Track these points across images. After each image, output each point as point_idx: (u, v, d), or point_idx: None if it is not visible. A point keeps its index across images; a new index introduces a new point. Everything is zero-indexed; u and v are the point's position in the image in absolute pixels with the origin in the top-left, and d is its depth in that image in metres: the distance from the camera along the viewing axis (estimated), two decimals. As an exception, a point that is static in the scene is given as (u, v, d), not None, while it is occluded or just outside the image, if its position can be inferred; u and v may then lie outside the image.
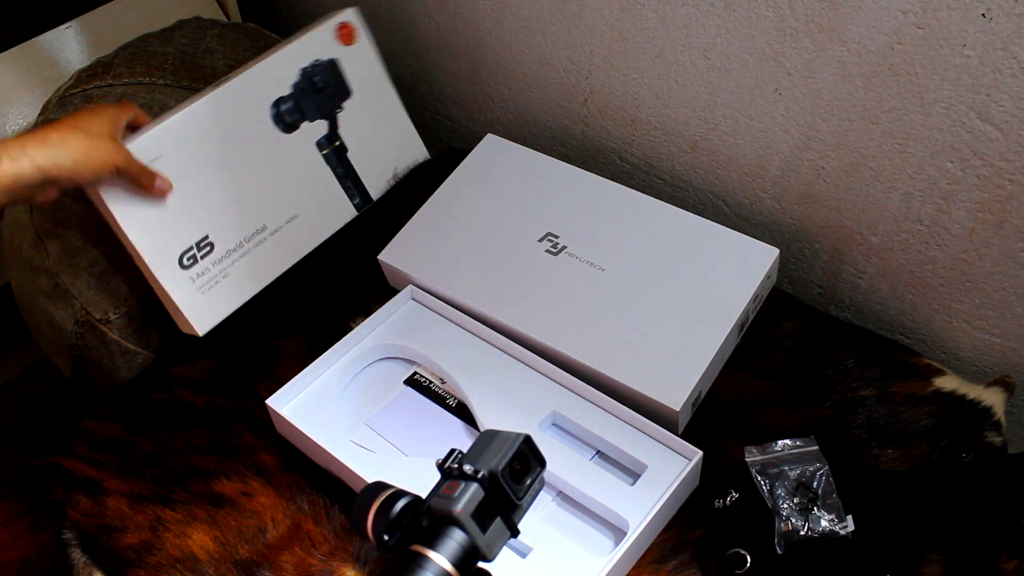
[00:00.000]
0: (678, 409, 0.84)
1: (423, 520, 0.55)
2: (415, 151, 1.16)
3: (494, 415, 0.86)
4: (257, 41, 1.18)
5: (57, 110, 1.02)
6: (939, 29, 0.80)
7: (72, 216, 0.98)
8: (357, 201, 1.09)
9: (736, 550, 0.77)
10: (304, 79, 1.02)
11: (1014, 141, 0.82)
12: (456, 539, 0.53)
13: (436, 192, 1.05)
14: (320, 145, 1.04)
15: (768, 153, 1.01)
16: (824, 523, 0.77)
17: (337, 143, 1.06)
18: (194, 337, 0.96)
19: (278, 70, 1.01)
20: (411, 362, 0.96)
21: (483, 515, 0.54)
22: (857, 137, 0.92)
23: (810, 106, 0.94)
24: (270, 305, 1.03)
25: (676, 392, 0.85)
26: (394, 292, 1.01)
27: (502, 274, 0.97)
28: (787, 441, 0.83)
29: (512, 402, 0.88)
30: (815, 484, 0.79)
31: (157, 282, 0.93)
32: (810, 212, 1.02)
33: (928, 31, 0.81)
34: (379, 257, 1.02)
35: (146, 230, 0.91)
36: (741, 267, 0.92)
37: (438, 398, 0.92)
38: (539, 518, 0.82)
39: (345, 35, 1.06)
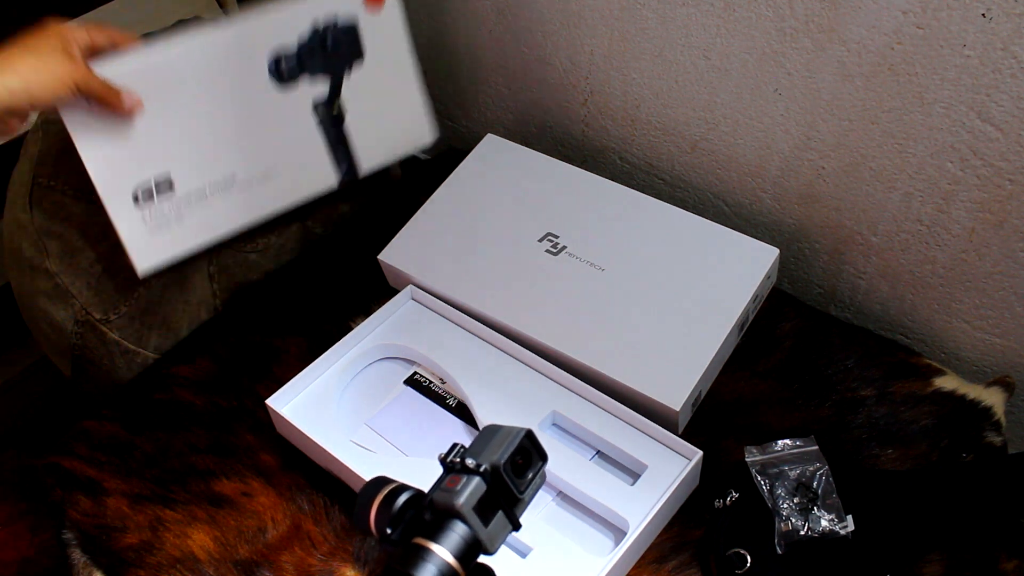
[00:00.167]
0: (678, 409, 0.84)
1: (425, 513, 0.56)
2: (420, 135, 1.08)
3: (494, 415, 0.86)
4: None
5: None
6: (939, 29, 0.80)
7: (72, 216, 0.98)
8: (344, 169, 1.03)
9: (736, 550, 0.77)
10: (315, 34, 0.96)
11: (1014, 141, 0.82)
12: (458, 532, 0.54)
13: (436, 192, 1.05)
14: (316, 107, 0.99)
15: (768, 153, 1.01)
16: (824, 523, 0.77)
17: (336, 109, 1.00)
18: (194, 337, 0.96)
19: (291, 20, 0.95)
20: (411, 362, 0.96)
21: (485, 509, 0.55)
22: (857, 137, 0.92)
23: (810, 106, 0.94)
24: (270, 305, 1.03)
25: (676, 392, 0.85)
26: (394, 292, 1.01)
27: (502, 274, 0.97)
28: (787, 441, 0.83)
29: (512, 402, 0.88)
30: (815, 484, 0.79)
31: (108, 214, 0.89)
32: (810, 212, 1.02)
33: (928, 31, 0.81)
34: (379, 257, 1.02)
35: (103, 158, 0.86)
36: (741, 267, 0.92)
37: (438, 398, 0.92)
38: (539, 518, 0.82)
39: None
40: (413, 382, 0.94)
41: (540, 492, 0.84)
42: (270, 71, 0.95)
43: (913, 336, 1.02)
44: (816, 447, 0.82)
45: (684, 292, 0.91)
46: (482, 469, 0.55)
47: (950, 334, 0.99)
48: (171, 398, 0.95)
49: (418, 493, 0.59)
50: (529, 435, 0.57)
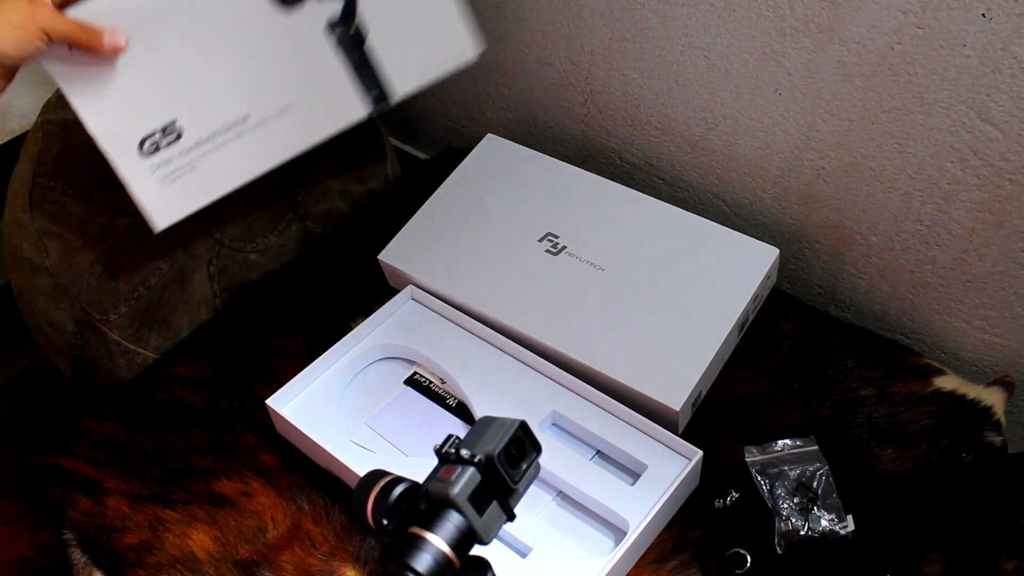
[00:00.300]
0: (678, 409, 0.84)
1: (421, 504, 0.56)
2: (461, 48, 0.94)
3: (494, 415, 0.86)
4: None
5: (57, 110, 1.02)
6: (939, 29, 0.80)
7: (72, 216, 0.98)
8: (375, 95, 0.91)
9: (736, 550, 0.77)
10: None
11: (1014, 141, 0.82)
12: (453, 522, 0.54)
13: (436, 192, 1.05)
14: (331, 28, 0.87)
15: (768, 153, 1.01)
16: (824, 523, 0.77)
17: (353, 29, 0.88)
18: (194, 337, 0.96)
19: None
20: (411, 362, 0.96)
21: (479, 499, 0.56)
22: (857, 137, 0.92)
23: (810, 106, 0.94)
24: (270, 305, 1.03)
25: (676, 392, 0.85)
26: (394, 292, 1.01)
27: (502, 274, 0.97)
28: (787, 441, 0.83)
29: (512, 402, 0.88)
30: (815, 484, 0.79)
31: (116, 169, 0.82)
32: (810, 212, 1.02)
33: (928, 31, 0.81)
34: (379, 257, 1.02)
35: (102, 110, 0.80)
36: (741, 267, 0.92)
37: (438, 398, 0.92)
38: (539, 518, 0.82)
39: None
40: (413, 382, 0.94)
41: (540, 492, 0.84)
42: None
43: (913, 336, 1.02)
44: (816, 447, 0.82)
45: (684, 292, 0.91)
46: (476, 460, 0.55)
47: (950, 334, 0.99)
48: (171, 398, 0.95)
49: (414, 484, 0.59)
50: (523, 426, 0.58)
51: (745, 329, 0.95)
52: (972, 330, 0.97)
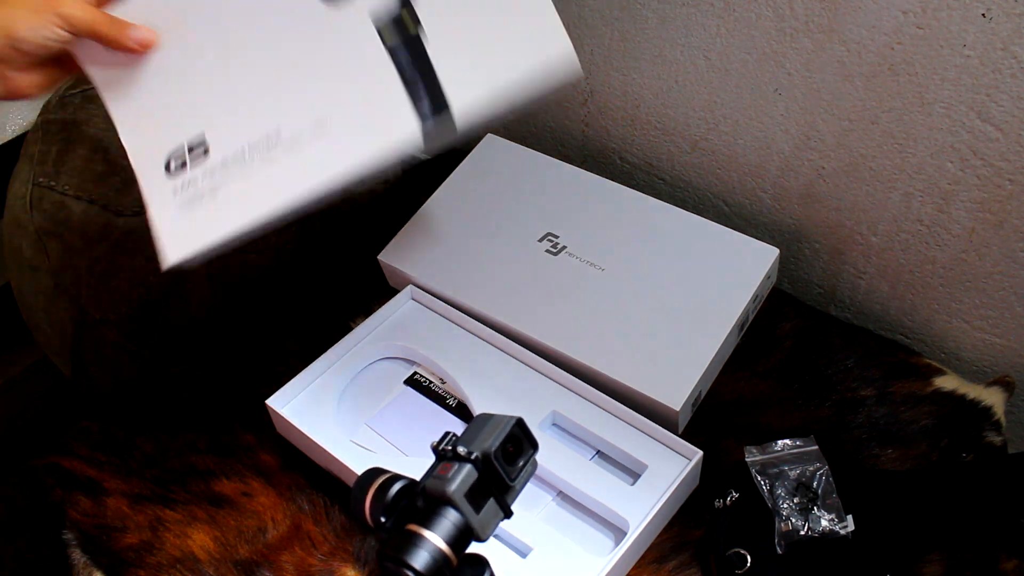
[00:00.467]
0: (678, 409, 0.84)
1: (418, 501, 0.56)
2: (561, 58, 0.67)
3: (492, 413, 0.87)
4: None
5: (57, 110, 1.02)
6: (939, 29, 0.80)
7: (72, 216, 0.98)
8: (424, 107, 0.69)
9: (736, 550, 0.77)
10: None
11: (1014, 141, 0.82)
12: (450, 519, 0.55)
13: (436, 192, 1.05)
14: (383, 29, 0.70)
15: (768, 153, 1.01)
16: (824, 523, 0.77)
17: (410, 28, 0.69)
18: (194, 337, 0.96)
19: None
20: (411, 362, 0.96)
21: (476, 496, 0.56)
22: (857, 137, 0.92)
23: (810, 106, 0.94)
24: (270, 305, 1.03)
25: (676, 392, 0.85)
26: (394, 292, 1.01)
27: (502, 274, 0.97)
28: (787, 441, 0.83)
29: (512, 402, 0.87)
30: (815, 484, 0.79)
31: (141, 188, 0.72)
32: (810, 212, 1.02)
33: (928, 31, 0.81)
34: (379, 257, 1.02)
35: (135, 118, 0.72)
36: (741, 267, 0.92)
37: (438, 398, 0.92)
38: (539, 518, 0.82)
39: None
40: (413, 382, 0.94)
41: (540, 492, 0.84)
42: None
43: (913, 336, 1.02)
44: (816, 447, 0.82)
45: (684, 292, 0.91)
46: (473, 457, 0.55)
47: (950, 334, 0.99)
48: (171, 398, 0.95)
49: (411, 482, 0.59)
50: (520, 423, 0.58)
51: (745, 329, 0.95)
52: (972, 330, 0.97)
